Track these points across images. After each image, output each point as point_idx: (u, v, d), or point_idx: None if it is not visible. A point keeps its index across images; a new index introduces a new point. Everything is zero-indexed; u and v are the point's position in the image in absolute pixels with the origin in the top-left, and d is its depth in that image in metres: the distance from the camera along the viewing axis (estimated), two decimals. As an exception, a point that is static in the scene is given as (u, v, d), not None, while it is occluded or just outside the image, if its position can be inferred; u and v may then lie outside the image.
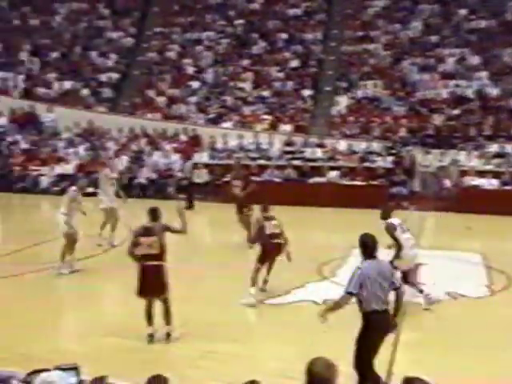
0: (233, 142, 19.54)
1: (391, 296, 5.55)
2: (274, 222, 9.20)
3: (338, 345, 6.13)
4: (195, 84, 22.43)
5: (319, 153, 18.51)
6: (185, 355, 6.74)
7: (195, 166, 18.89)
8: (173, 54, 23.83)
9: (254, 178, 16.81)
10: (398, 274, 5.50)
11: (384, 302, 5.37)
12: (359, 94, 20.79)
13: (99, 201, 12.47)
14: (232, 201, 12.77)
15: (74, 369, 4.39)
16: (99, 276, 10.06)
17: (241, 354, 6.72)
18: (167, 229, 7.15)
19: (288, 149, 18.94)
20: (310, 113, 20.80)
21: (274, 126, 20.16)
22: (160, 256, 6.98)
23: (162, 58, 23.86)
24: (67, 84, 23.24)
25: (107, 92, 23.00)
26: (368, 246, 5.46)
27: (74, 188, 10.65)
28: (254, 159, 18.67)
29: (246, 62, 22.78)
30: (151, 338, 7.05)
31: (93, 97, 22.71)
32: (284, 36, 23.27)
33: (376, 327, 5.35)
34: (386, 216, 8.44)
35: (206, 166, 18.87)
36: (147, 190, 18.77)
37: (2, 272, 9.93)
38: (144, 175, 19.15)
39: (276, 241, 9.06)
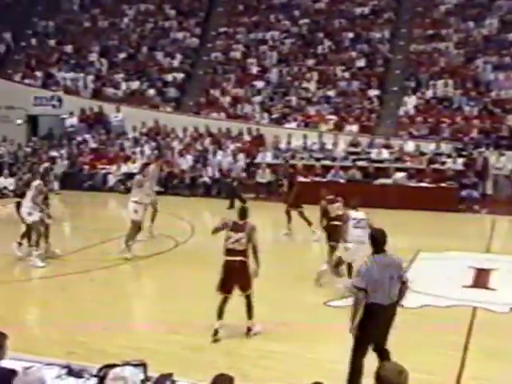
0: (297, 142, 19.55)
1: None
2: (336, 205, 9.76)
3: (404, 348, 6.02)
4: (259, 84, 22.54)
5: (385, 154, 18.28)
6: (246, 354, 6.78)
7: (258, 165, 18.99)
8: (237, 54, 24.04)
9: (317, 179, 17.05)
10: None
11: (389, 296, 5.42)
12: (428, 93, 20.35)
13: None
14: (282, 199, 14.09)
15: (142, 365, 4.50)
16: (165, 273, 10.24)
17: (302, 355, 6.70)
18: (254, 230, 7.27)
19: (353, 149, 18.81)
20: (376, 113, 20.55)
21: (338, 127, 20.03)
22: (245, 252, 7.14)
23: (226, 57, 24.11)
24: (134, 84, 23.85)
25: (172, 92, 23.43)
26: (377, 241, 5.53)
27: (139, 176, 11.34)
28: (318, 160, 18.64)
29: (310, 62, 22.70)
30: (216, 332, 7.12)
31: (158, 96, 23.20)
32: (350, 35, 23.08)
33: (375, 320, 5.41)
34: (352, 206, 9.11)
35: (269, 165, 18.93)
36: (211, 190, 19.04)
37: (70, 269, 10.28)
38: (208, 174, 19.42)
39: (337, 223, 9.40)
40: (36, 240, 10.63)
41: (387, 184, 17.16)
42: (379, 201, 15.91)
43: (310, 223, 12.57)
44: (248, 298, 7.24)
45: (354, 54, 22.42)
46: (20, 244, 11.00)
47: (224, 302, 7.18)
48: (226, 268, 7.14)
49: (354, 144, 18.99)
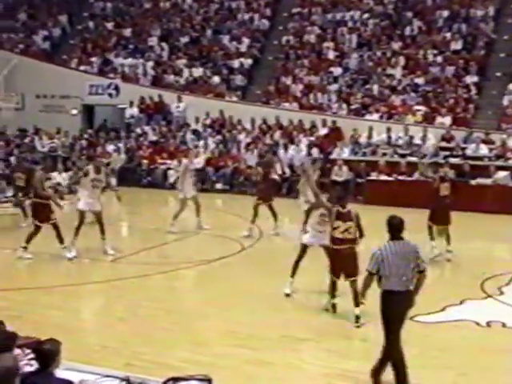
0: (379, 137, 19.36)
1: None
2: (446, 185, 10.96)
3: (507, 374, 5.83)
4: (337, 70, 22.41)
5: (484, 150, 17.85)
6: (319, 373, 6.73)
7: (334, 162, 18.84)
8: (312, 37, 23.97)
9: (402, 178, 16.75)
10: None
11: (403, 283, 5.94)
12: (540, 80, 19.69)
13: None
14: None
15: (207, 380, 4.54)
16: (230, 279, 10.29)
17: (384, 376, 6.57)
18: (359, 217, 8.10)
19: (445, 144, 18.45)
20: (473, 103, 20.06)
21: (428, 119, 19.69)
22: (354, 240, 8.03)
23: (299, 41, 24.08)
24: (197, 71, 24.16)
25: (239, 79, 23.61)
26: (392, 227, 6.06)
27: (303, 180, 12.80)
28: (403, 156, 18.36)
29: (396, 45, 22.40)
30: (334, 308, 8.25)
31: (224, 84, 23.41)
32: (445, 13, 22.61)
33: (389, 307, 5.94)
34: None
35: (347, 162, 18.76)
36: (281, 188, 18.95)
37: (127, 273, 10.52)
38: (278, 171, 19.35)
39: (446, 202, 10.75)
40: (76, 228, 11.29)
41: (486, 184, 16.79)
42: (476, 204, 15.61)
43: (276, 216, 13.50)
44: (354, 284, 7.90)
45: (448, 35, 21.99)
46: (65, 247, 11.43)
47: (334, 285, 8.19)
48: (336, 256, 8.05)
49: (447, 138, 18.60)
